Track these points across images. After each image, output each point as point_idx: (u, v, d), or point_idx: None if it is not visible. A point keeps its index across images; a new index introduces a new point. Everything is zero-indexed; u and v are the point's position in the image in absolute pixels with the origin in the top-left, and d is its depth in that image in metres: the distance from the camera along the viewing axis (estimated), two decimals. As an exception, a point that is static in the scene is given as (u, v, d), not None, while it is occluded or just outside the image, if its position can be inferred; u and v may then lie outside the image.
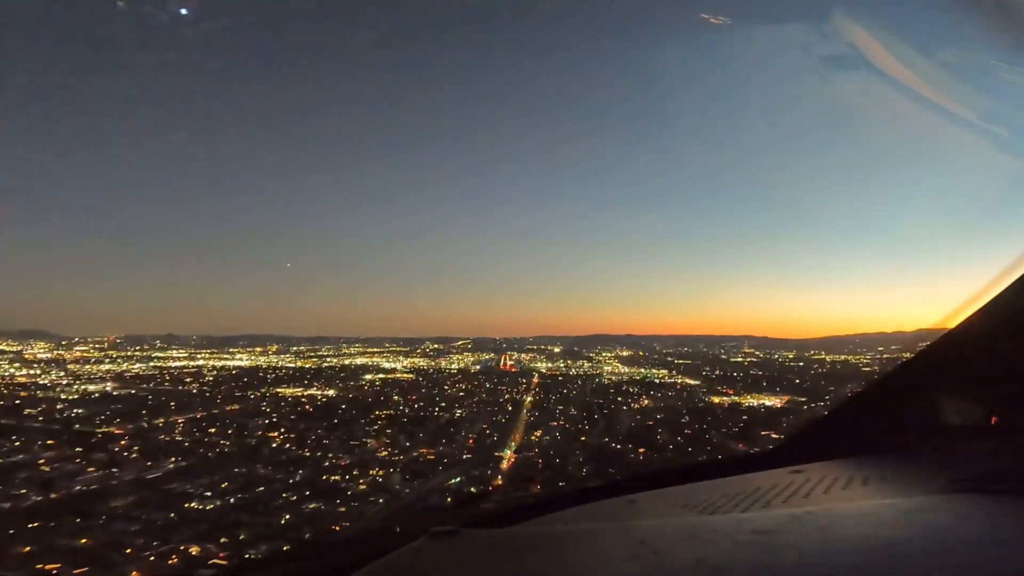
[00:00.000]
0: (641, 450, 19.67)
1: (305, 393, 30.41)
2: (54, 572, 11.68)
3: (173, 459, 19.59)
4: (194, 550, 12.22)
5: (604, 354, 42.95)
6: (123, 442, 21.07)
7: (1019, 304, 1.88)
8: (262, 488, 17.51)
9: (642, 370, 37.07)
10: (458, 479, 18.36)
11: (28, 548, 12.51)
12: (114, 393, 28.90)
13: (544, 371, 38.11)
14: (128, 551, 12.94)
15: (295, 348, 42.92)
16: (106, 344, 39.48)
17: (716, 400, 28.40)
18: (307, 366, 37.90)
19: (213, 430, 23.41)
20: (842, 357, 34.20)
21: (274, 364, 38.44)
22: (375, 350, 43.97)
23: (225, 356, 40.08)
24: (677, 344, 45.46)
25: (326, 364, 38.90)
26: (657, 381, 33.63)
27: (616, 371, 37.59)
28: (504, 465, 20.52)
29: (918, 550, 1.07)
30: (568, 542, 1.27)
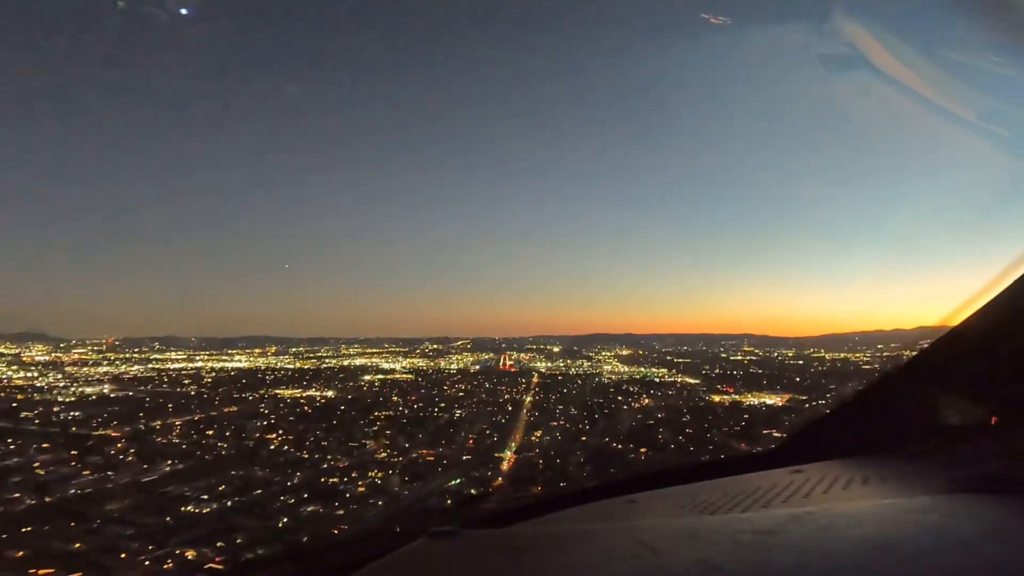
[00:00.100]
0: (642, 450, 19.58)
1: (304, 394, 30.32)
2: None
3: (170, 462, 19.45)
4: (190, 554, 12.08)
5: (603, 353, 42.89)
6: (119, 445, 20.92)
7: (1019, 304, 1.87)
8: (259, 491, 17.37)
9: (642, 369, 37.01)
10: (458, 481, 18.25)
11: (21, 552, 12.34)
12: (111, 395, 28.76)
13: (544, 371, 38.05)
14: (123, 555, 12.78)
15: (294, 349, 42.83)
16: (104, 346, 39.34)
17: (717, 399, 28.33)
18: (306, 367, 37.83)
19: (211, 432, 23.26)
20: (842, 355, 34.17)
21: (273, 365, 38.34)
22: (374, 351, 43.90)
23: (224, 358, 39.97)
24: (676, 343, 45.39)
25: (325, 365, 38.84)
26: (657, 380, 33.56)
27: (616, 370, 37.53)
28: (504, 466, 20.41)
29: (918, 550, 1.06)
30: (568, 542, 1.27)
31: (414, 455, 21.22)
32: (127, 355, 38.08)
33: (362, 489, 17.85)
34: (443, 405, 28.61)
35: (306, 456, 20.83)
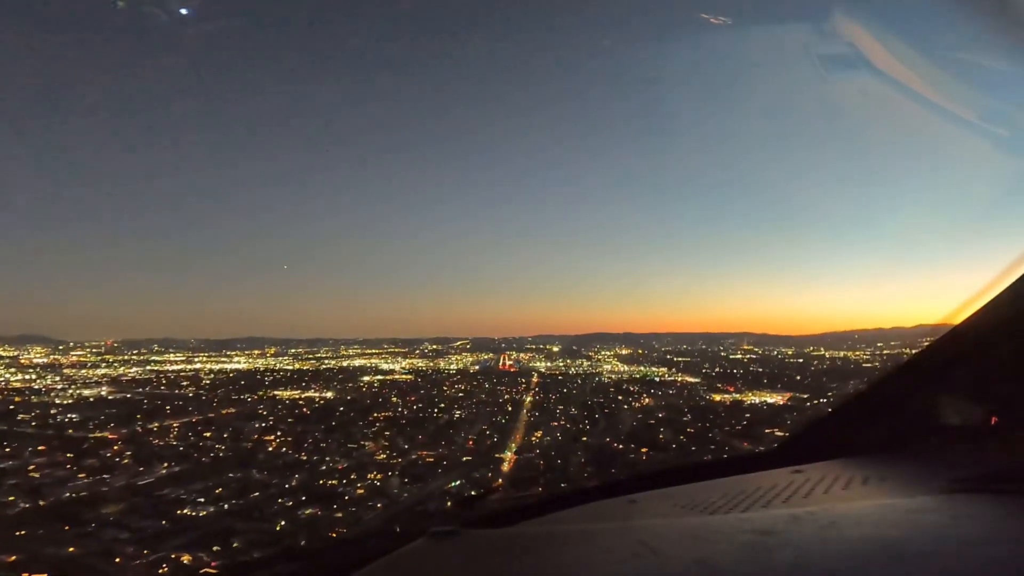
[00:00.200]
0: (644, 450, 19.46)
1: (303, 395, 30.29)
2: None
3: (166, 464, 19.31)
4: (185, 559, 11.93)
5: (603, 353, 42.99)
6: (116, 447, 20.80)
7: (1019, 304, 1.87)
8: (257, 493, 17.21)
9: (641, 368, 37.04)
10: (458, 482, 18.11)
11: (14, 557, 12.17)
12: (109, 397, 28.71)
13: (543, 370, 38.10)
14: (117, 560, 12.64)
15: (293, 350, 42.95)
16: (103, 348, 39.47)
17: (717, 398, 28.28)
18: (305, 368, 37.88)
19: (208, 434, 23.14)
20: (841, 353, 34.33)
21: (272, 366, 38.40)
22: (373, 351, 44.02)
23: (223, 359, 40.10)
24: (676, 342, 45.52)
25: (324, 366, 38.92)
26: (657, 379, 33.56)
27: (615, 369, 37.54)
28: (505, 467, 20.28)
29: (918, 550, 1.06)
30: (568, 542, 1.27)
31: (413, 456, 21.09)
32: (126, 357, 38.20)
33: (361, 491, 17.69)
34: (443, 406, 28.52)
35: (304, 458, 20.68)
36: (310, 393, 30.78)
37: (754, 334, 45.00)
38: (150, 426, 23.74)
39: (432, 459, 20.95)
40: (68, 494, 16.49)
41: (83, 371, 33.42)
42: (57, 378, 31.26)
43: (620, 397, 29.19)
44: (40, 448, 19.89)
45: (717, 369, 35.22)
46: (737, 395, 28.43)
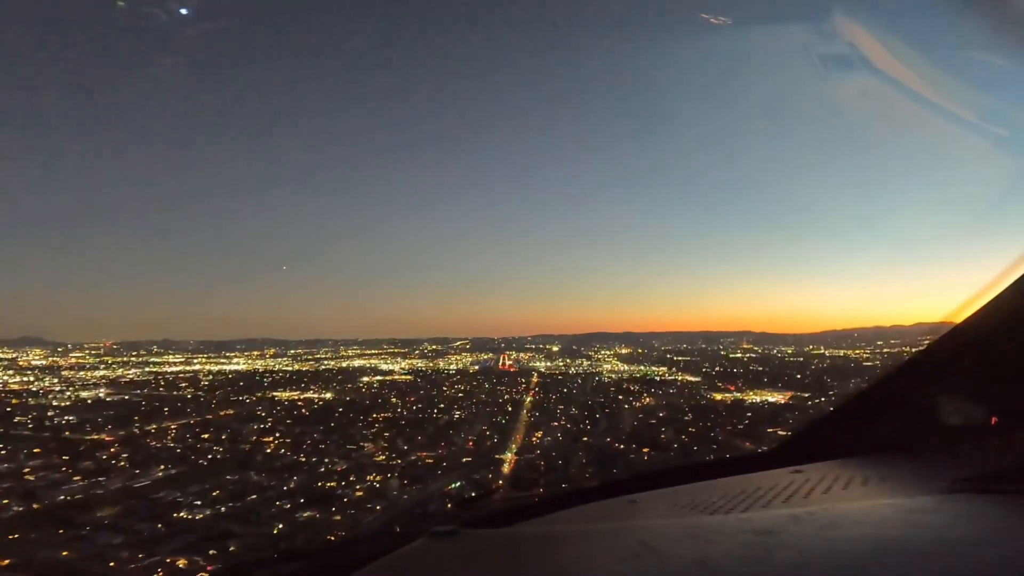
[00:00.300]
0: (645, 450, 19.32)
1: (302, 396, 30.16)
2: None
3: (163, 467, 19.14)
4: (181, 562, 11.78)
5: (603, 352, 42.94)
6: (112, 449, 20.64)
7: (1019, 304, 1.86)
8: (254, 496, 17.04)
9: (641, 368, 36.97)
10: (458, 484, 17.97)
11: (7, 560, 12.06)
12: (107, 399, 28.60)
13: (543, 370, 38.03)
14: (111, 564, 12.49)
15: (293, 351, 42.86)
16: (102, 350, 39.36)
17: (718, 397, 28.17)
18: (304, 369, 37.78)
19: (206, 436, 22.99)
20: (842, 352, 34.30)
21: (271, 368, 38.28)
22: (373, 352, 43.90)
23: (222, 360, 40.00)
24: (676, 341, 45.46)
25: (323, 367, 38.80)
26: (657, 379, 33.50)
27: (615, 369, 37.47)
28: (505, 468, 20.13)
29: (918, 550, 1.06)
30: (568, 542, 1.28)
31: (413, 457, 20.95)
32: (125, 359, 38.14)
33: (360, 493, 17.54)
34: (442, 406, 28.39)
35: (303, 460, 20.54)
36: (309, 394, 30.64)
37: (754, 333, 44.97)
38: (147, 428, 23.57)
39: (432, 460, 20.81)
40: (63, 497, 16.31)
41: (81, 373, 33.35)
42: (55, 380, 31.15)
43: (620, 397, 29.09)
44: (36, 451, 19.74)
45: (717, 368, 35.13)
46: (738, 394, 28.32)
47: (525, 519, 1.67)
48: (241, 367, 38.27)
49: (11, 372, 32.48)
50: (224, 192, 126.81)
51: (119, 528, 14.29)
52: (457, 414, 27.08)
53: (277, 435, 23.34)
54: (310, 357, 41.74)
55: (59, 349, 38.04)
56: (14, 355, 35.51)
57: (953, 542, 1.10)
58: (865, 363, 29.88)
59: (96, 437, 22.11)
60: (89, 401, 27.85)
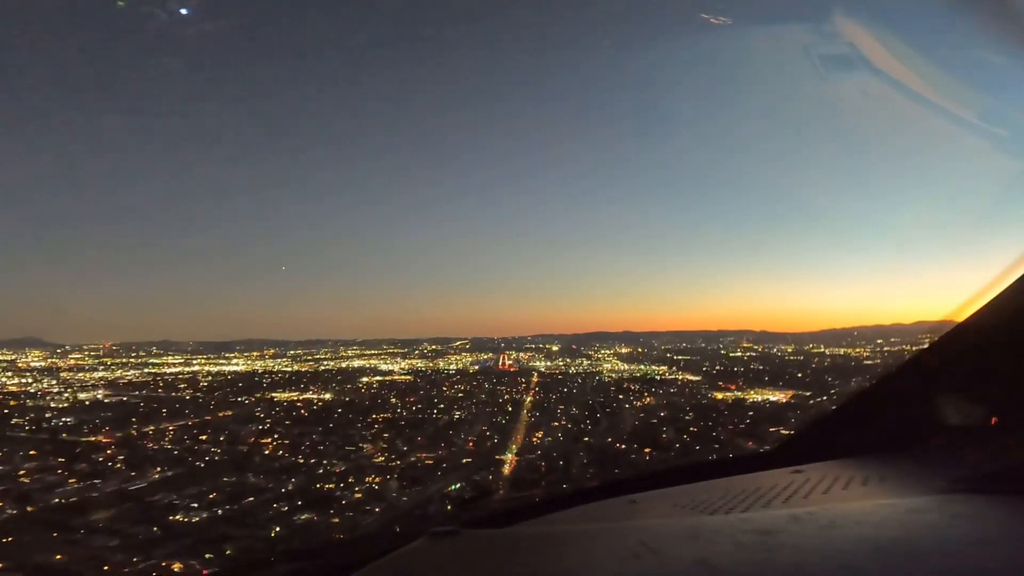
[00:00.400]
0: (647, 450, 19.20)
1: (301, 397, 30.03)
2: None
3: (160, 468, 18.98)
4: (177, 566, 11.67)
5: (603, 351, 42.77)
6: (109, 451, 20.47)
7: (1019, 304, 1.87)
8: (252, 498, 16.92)
9: (642, 367, 36.84)
10: (458, 485, 17.86)
11: (0, 564, 11.93)
12: (105, 401, 28.45)
13: (543, 370, 37.91)
14: (105, 567, 12.34)
15: (292, 352, 42.68)
16: (101, 351, 39.20)
17: (719, 396, 28.04)
18: (303, 370, 37.63)
19: (204, 437, 22.84)
20: (842, 350, 34.13)
21: (270, 368, 38.14)
22: (372, 352, 43.73)
23: (221, 361, 39.83)
24: (676, 340, 45.21)
25: (323, 367, 38.66)
26: (658, 378, 33.38)
27: (616, 368, 37.35)
28: (506, 469, 20.02)
29: (918, 550, 1.06)
30: (568, 542, 1.28)
31: (412, 459, 20.83)
32: (124, 360, 37.98)
33: (359, 495, 17.42)
34: (442, 407, 28.24)
35: (301, 461, 20.39)
36: (308, 395, 30.50)
37: (753, 332, 44.66)
38: (145, 429, 23.41)
39: (431, 461, 20.68)
40: (57, 499, 16.18)
41: (80, 374, 33.13)
42: (53, 381, 30.98)
43: (621, 396, 28.94)
44: (31, 453, 19.57)
45: (718, 367, 34.97)
46: (739, 393, 28.18)
47: (525, 519, 1.68)
48: (240, 368, 38.10)
49: (10, 374, 32.31)
50: (223, 193, 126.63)
51: (114, 531, 14.15)
52: (457, 414, 26.94)
53: (275, 436, 23.18)
54: (309, 358, 41.55)
55: (58, 350, 37.85)
56: (13, 357, 35.35)
57: (953, 542, 1.10)
58: (866, 361, 29.68)
59: (93, 439, 21.95)
60: (87, 403, 27.66)
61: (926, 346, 2.17)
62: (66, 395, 28.51)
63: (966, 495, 1.38)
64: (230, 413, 26.74)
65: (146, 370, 35.86)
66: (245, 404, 28.48)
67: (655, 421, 23.66)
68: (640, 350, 42.84)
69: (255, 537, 14.10)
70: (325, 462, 20.27)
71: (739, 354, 38.84)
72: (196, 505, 16.24)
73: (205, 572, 11.04)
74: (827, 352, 34.96)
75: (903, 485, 1.66)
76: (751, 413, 23.79)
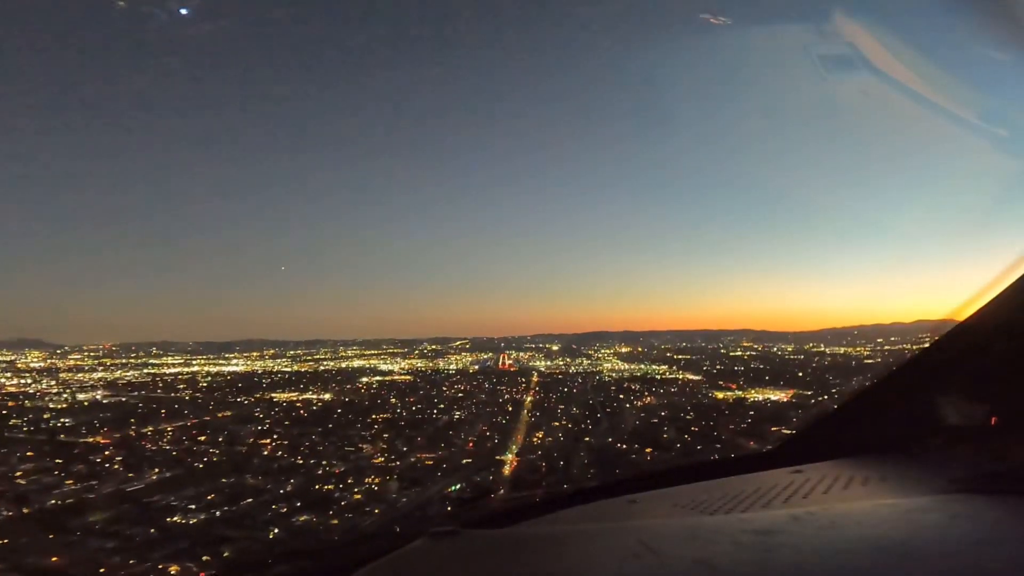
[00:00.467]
0: (648, 450, 19.10)
1: (300, 397, 29.98)
2: None
3: (157, 470, 18.87)
4: (173, 569, 11.56)
5: (603, 351, 42.77)
6: (107, 452, 20.37)
7: (1019, 304, 1.87)
8: (250, 499, 16.81)
9: (642, 366, 36.83)
10: (458, 486, 17.78)
11: (-6, 566, 11.83)
12: (104, 401, 28.41)
13: (543, 369, 37.92)
14: (101, 570, 12.27)
15: (292, 352, 42.68)
16: (101, 352, 39.18)
17: (720, 396, 27.96)
18: (303, 370, 37.62)
19: (202, 438, 22.75)
20: (842, 349, 34.16)
21: (270, 368, 38.13)
22: (372, 352, 43.68)
23: (221, 362, 39.85)
24: (675, 339, 45.23)
25: (322, 368, 38.66)
26: (658, 377, 33.35)
27: (616, 368, 37.32)
28: (506, 470, 19.93)
29: (918, 550, 1.06)
30: (568, 542, 1.28)
31: (412, 459, 20.73)
32: (124, 360, 37.99)
33: (358, 496, 17.33)
34: (442, 407, 28.18)
35: (300, 462, 20.28)
36: (308, 395, 30.44)
37: (753, 331, 44.63)
38: (143, 430, 23.31)
39: (431, 462, 20.57)
40: (54, 501, 16.05)
41: (79, 375, 33.17)
42: (53, 382, 30.99)
43: (622, 396, 28.88)
44: (28, 454, 19.49)
45: (718, 366, 34.91)
46: (740, 392, 28.12)
47: (525, 519, 1.68)
48: (240, 368, 38.14)
49: (9, 374, 32.32)
50: (223, 193, 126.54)
51: (110, 533, 14.05)
52: (457, 414, 26.85)
53: (274, 437, 23.09)
54: (309, 358, 41.54)
55: (58, 351, 37.86)
56: (12, 357, 35.34)
57: (953, 542, 1.11)
58: (867, 360, 29.71)
59: (91, 440, 21.87)
60: (86, 403, 27.61)
61: (926, 346, 2.19)
62: (65, 396, 28.48)
63: (966, 495, 1.39)
64: (229, 414, 26.67)
65: (146, 370, 35.90)
66: (244, 404, 28.41)
67: (656, 421, 23.57)
68: (640, 349, 42.84)
69: (253, 539, 14.01)
70: (324, 463, 20.18)
71: (739, 353, 38.77)
72: (194, 507, 16.14)
73: (201, 575, 10.94)
74: (827, 351, 34.97)
75: (903, 485, 1.66)
76: (752, 412, 23.71)
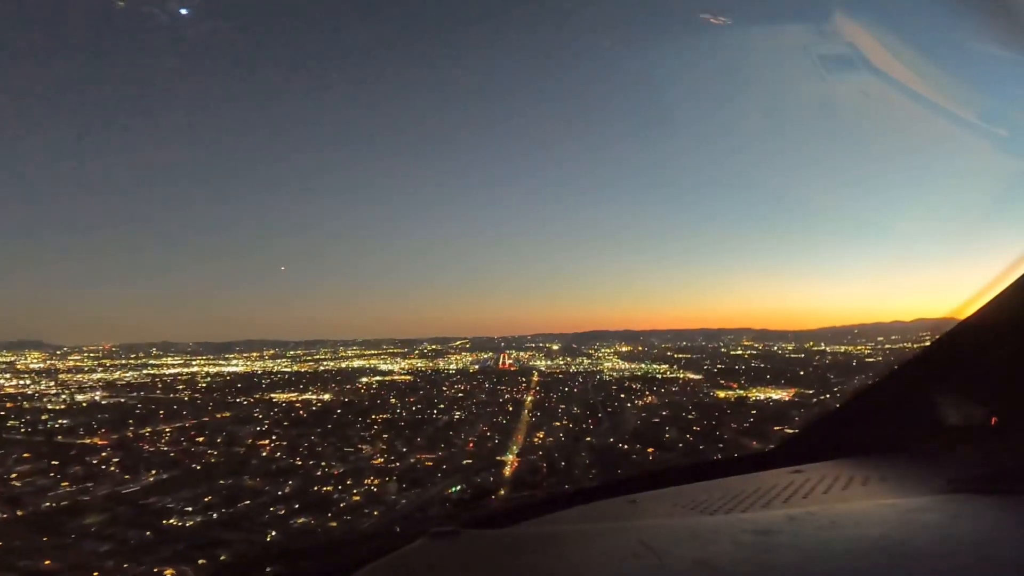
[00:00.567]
0: (650, 450, 18.96)
1: (300, 398, 29.93)
2: None
3: (155, 471, 18.75)
4: (168, 572, 11.45)
5: (603, 350, 42.73)
6: (104, 454, 20.28)
7: (1018, 304, 1.87)
8: (248, 501, 16.69)
9: (642, 365, 36.84)
10: (458, 487, 17.66)
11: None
12: (102, 402, 28.35)
13: (544, 369, 37.91)
14: (95, 574, 12.19)
15: (292, 352, 42.66)
16: (101, 353, 39.19)
17: (722, 395, 27.88)
18: (303, 370, 37.59)
19: (201, 439, 22.67)
20: (842, 348, 34.12)
21: (270, 369, 38.07)
22: (372, 352, 43.67)
23: (220, 362, 39.83)
24: (676, 338, 45.24)
25: (322, 368, 38.61)
26: (659, 376, 33.29)
27: (616, 367, 37.29)
28: (507, 470, 19.81)
29: (918, 550, 1.06)
30: (568, 542, 1.28)
31: (412, 460, 20.63)
32: (123, 361, 38.02)
33: (357, 498, 17.21)
34: (442, 407, 28.09)
35: (299, 463, 20.17)
36: (307, 395, 30.39)
37: (753, 330, 44.65)
38: (142, 431, 23.23)
39: (431, 463, 20.47)
40: (49, 503, 15.93)
41: (79, 376, 33.22)
42: (52, 383, 30.96)
43: (623, 395, 28.82)
44: (25, 455, 19.39)
45: (719, 365, 34.83)
46: (741, 391, 28.04)
47: (525, 519, 1.68)
48: (239, 369, 38.12)
49: (8, 375, 32.31)
50: (223, 194, 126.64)
51: (106, 536, 13.94)
52: (457, 414, 26.76)
53: (273, 438, 22.98)
54: (309, 358, 41.52)
55: (58, 352, 37.88)
56: (12, 358, 35.33)
57: (953, 542, 1.10)
58: (867, 359, 29.64)
59: (89, 441, 21.78)
60: (85, 404, 27.56)
61: (926, 346, 2.18)
62: (64, 397, 28.45)
63: (966, 495, 1.38)
64: (228, 414, 26.59)
65: (145, 371, 35.90)
66: (244, 405, 28.33)
67: (657, 420, 23.45)
68: (641, 349, 42.81)
69: (250, 542, 13.87)
70: (323, 463, 20.07)
71: (740, 352, 38.76)
72: (190, 509, 16.02)
73: None
74: (828, 350, 34.91)
75: (903, 485, 1.66)
76: (754, 412, 23.58)
